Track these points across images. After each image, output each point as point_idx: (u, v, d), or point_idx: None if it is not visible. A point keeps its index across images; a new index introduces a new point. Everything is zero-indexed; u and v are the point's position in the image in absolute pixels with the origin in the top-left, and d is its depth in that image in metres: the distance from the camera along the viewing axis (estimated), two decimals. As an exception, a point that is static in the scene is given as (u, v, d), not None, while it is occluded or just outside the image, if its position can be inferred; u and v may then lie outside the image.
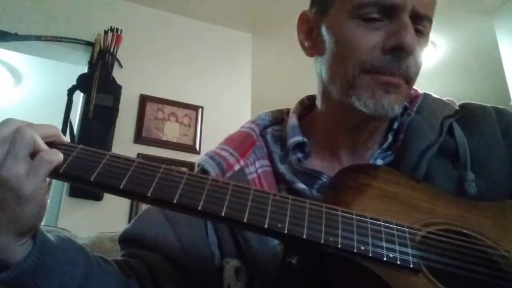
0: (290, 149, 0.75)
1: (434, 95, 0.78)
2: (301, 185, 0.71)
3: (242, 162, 0.76)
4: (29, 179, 0.49)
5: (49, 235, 0.56)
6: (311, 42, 0.77)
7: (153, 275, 0.68)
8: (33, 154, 0.51)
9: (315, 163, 0.75)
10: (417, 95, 0.78)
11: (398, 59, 0.65)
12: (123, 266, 0.67)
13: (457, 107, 0.75)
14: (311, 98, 0.85)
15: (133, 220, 0.77)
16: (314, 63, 0.79)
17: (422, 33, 0.68)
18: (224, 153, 0.76)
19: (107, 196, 2.32)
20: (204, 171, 0.75)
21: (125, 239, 0.75)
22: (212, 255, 0.71)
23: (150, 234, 0.72)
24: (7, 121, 0.53)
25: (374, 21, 0.66)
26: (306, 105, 0.84)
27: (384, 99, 0.66)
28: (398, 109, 0.67)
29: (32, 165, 0.50)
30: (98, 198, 2.31)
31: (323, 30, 0.73)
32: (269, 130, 0.83)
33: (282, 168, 0.74)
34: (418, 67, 0.68)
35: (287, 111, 0.86)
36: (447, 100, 0.78)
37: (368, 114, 0.67)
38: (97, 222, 2.22)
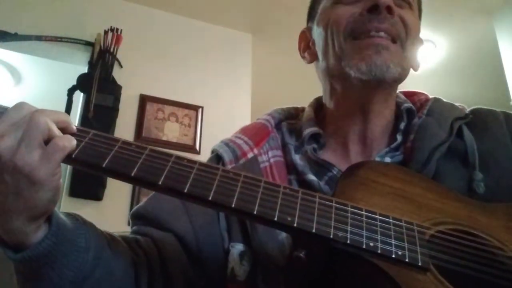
0: (306, 139, 0.77)
1: (445, 100, 0.80)
2: (311, 177, 0.72)
3: (255, 151, 0.77)
4: (43, 166, 0.49)
5: (63, 217, 0.56)
6: (309, 50, 0.83)
7: (162, 259, 0.69)
8: (47, 140, 0.51)
9: (327, 155, 0.77)
10: (427, 99, 0.80)
11: (378, 18, 0.69)
12: (133, 244, 0.68)
13: (467, 111, 0.76)
14: None
15: (148, 198, 0.78)
16: (315, 68, 0.82)
17: (404, 3, 0.73)
18: (239, 141, 0.79)
19: (107, 196, 2.29)
20: (218, 157, 0.78)
21: (139, 216, 0.76)
22: (222, 238, 0.72)
23: (163, 213, 0.73)
24: (19, 106, 0.52)
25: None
26: (321, 103, 0.86)
27: (375, 58, 0.68)
28: (394, 70, 0.69)
29: (46, 151, 0.50)
30: (98, 198, 2.28)
31: (315, 31, 0.78)
32: (284, 123, 0.85)
33: (297, 158, 0.76)
34: (407, 28, 0.72)
35: (302, 108, 0.89)
36: (458, 105, 0.79)
37: (365, 79, 0.69)
38: (97, 222, 2.17)
